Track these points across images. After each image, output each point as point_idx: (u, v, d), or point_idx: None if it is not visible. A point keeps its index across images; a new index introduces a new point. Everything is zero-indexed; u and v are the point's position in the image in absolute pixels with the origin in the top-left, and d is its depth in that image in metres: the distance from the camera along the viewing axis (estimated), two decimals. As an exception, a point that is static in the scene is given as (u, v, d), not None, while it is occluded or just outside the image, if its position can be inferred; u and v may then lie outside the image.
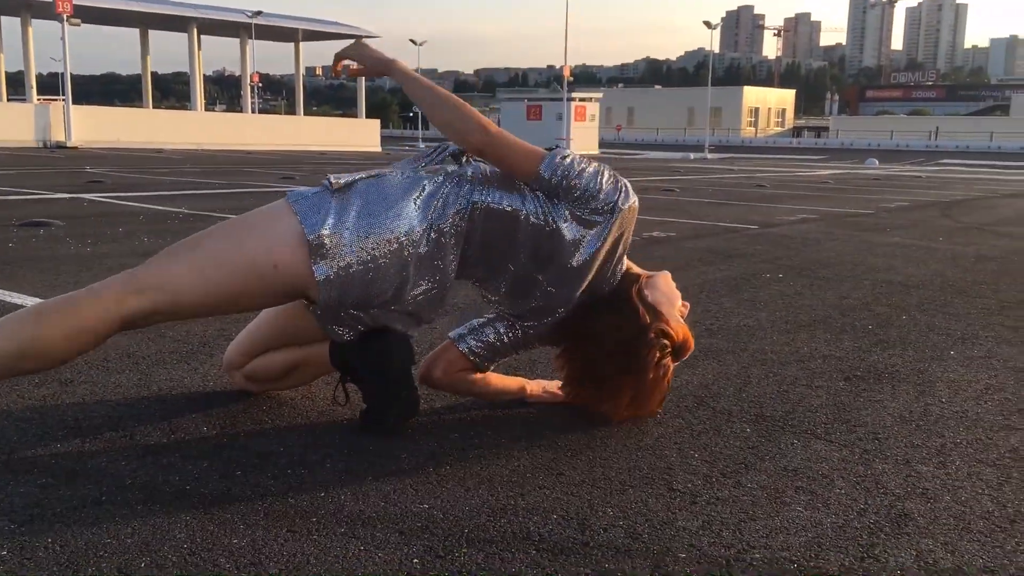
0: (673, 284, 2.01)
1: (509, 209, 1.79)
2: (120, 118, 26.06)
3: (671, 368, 1.94)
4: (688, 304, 2.02)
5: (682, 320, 1.97)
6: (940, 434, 1.99)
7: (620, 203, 1.83)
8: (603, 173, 1.84)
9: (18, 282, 3.61)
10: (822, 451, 1.86)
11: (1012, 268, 4.84)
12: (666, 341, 1.89)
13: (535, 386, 2.12)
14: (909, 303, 3.67)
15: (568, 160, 1.82)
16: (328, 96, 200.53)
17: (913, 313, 3.45)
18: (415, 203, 1.74)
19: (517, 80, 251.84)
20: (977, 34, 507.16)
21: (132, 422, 1.93)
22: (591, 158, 1.87)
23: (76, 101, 23.86)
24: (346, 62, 1.94)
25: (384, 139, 34.71)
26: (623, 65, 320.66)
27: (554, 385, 2.13)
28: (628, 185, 1.88)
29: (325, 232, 1.68)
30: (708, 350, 2.75)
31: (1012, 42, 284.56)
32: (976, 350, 2.84)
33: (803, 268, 4.64)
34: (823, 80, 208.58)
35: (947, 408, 2.20)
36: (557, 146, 1.93)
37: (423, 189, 1.76)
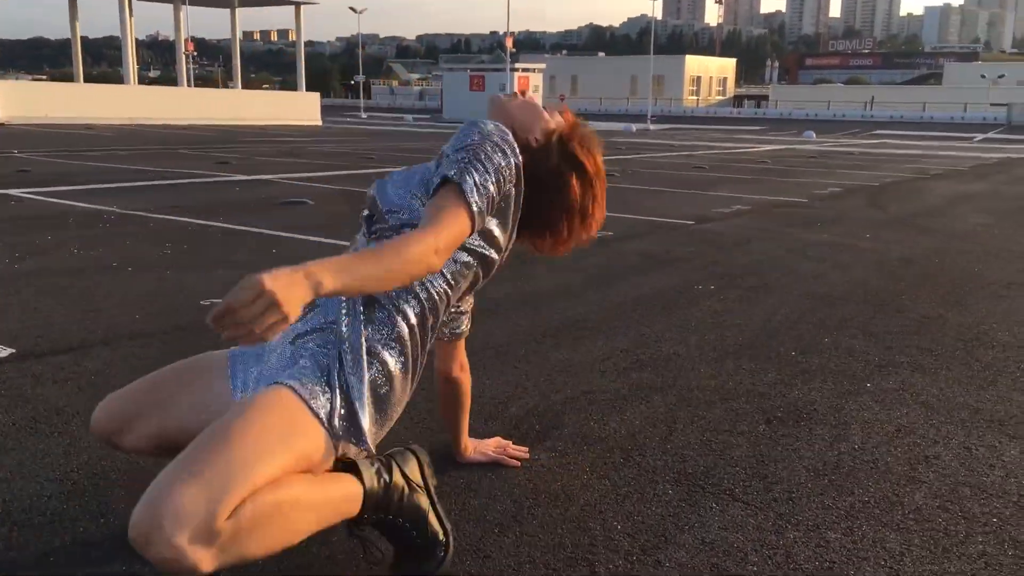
0: (523, 100, 1.87)
1: (444, 288, 1.73)
2: (50, 92, 25.23)
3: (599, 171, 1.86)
4: (565, 100, 1.87)
5: (564, 119, 1.86)
6: (851, 491, 2.10)
7: (515, 183, 1.73)
8: (496, 168, 1.67)
9: (-59, 313, 3.52)
10: (739, 516, 1.95)
11: (933, 272, 5.03)
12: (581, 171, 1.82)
13: (473, 452, 2.18)
14: (832, 321, 3.80)
15: (475, 180, 1.63)
16: (266, 62, 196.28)
17: (835, 335, 3.58)
18: (409, 377, 1.66)
19: (460, 46, 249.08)
20: (912, 2, 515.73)
21: (59, 502, 1.93)
22: (465, 147, 1.67)
23: (2, 66, 22.96)
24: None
25: (325, 109, 34.13)
26: (566, 31, 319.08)
27: (488, 446, 2.19)
28: (509, 148, 1.71)
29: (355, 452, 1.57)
30: (638, 388, 2.83)
31: (945, 10, 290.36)
32: (891, 381, 2.97)
33: (734, 276, 4.76)
34: (763, 47, 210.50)
35: (859, 457, 2.31)
36: (442, 154, 1.71)
37: (400, 350, 1.63)
